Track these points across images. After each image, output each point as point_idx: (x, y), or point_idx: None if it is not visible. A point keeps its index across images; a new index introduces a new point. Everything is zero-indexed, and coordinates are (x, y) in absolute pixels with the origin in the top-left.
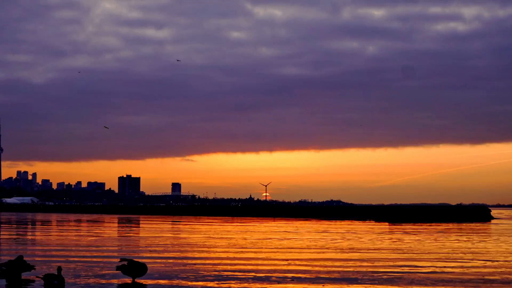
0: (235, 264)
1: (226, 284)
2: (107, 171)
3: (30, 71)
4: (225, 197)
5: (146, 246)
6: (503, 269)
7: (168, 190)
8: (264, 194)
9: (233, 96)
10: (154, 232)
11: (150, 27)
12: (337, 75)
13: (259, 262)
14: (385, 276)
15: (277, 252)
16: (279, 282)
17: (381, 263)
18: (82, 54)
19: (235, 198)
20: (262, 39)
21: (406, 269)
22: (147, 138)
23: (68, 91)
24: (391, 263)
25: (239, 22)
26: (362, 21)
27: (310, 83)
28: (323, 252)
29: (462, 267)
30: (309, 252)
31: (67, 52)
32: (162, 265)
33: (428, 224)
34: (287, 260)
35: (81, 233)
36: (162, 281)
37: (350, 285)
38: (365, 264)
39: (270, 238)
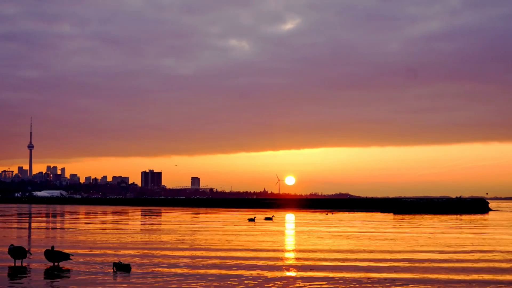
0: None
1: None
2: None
3: None
4: (241, 191)
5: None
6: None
7: (187, 184)
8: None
9: None
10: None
11: None
12: None
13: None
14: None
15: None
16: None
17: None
18: None
19: (250, 191)
20: None
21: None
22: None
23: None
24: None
25: None
26: None
27: None
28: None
29: (466, 252)
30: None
31: None
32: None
33: (430, 215)
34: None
35: (107, 224)
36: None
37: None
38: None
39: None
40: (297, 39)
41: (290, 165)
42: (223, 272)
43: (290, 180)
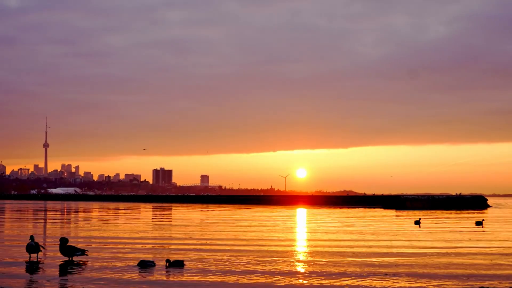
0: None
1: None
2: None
3: None
4: (248, 188)
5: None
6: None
7: (197, 181)
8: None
9: None
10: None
11: None
12: None
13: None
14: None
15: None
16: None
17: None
18: None
19: (257, 189)
20: None
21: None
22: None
23: None
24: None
25: None
26: None
27: None
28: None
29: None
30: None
31: None
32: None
33: (430, 211)
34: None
35: (120, 220)
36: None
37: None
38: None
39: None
40: (425, 46)
41: (309, 163)
42: None
43: (301, 173)
